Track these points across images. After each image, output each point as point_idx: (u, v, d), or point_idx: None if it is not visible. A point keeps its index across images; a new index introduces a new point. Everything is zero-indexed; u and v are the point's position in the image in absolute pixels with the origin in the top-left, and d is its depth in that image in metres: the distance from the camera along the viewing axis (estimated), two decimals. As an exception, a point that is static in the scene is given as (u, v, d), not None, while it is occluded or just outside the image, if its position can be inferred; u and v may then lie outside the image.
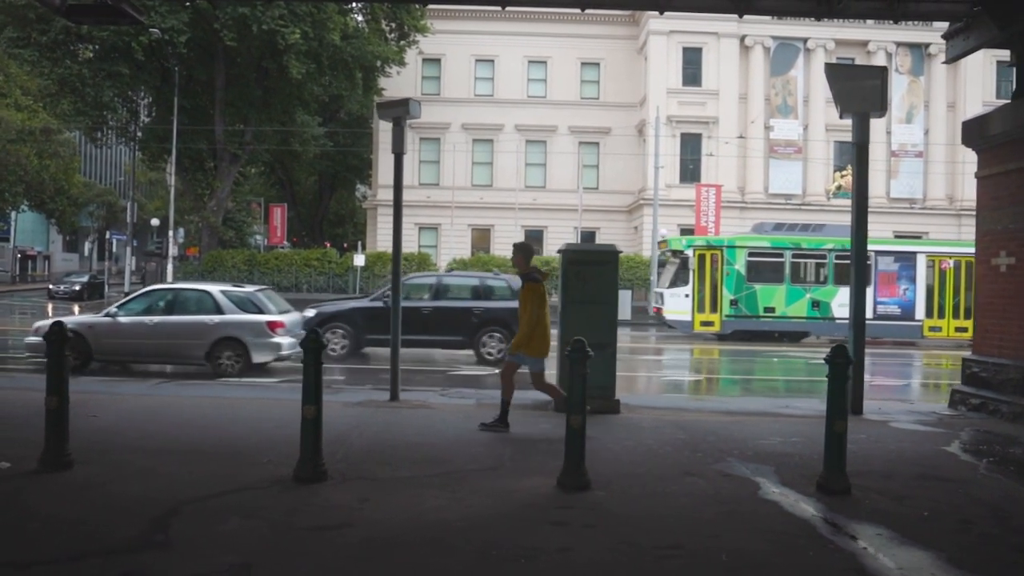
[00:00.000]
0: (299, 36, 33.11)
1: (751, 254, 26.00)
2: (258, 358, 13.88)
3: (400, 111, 10.77)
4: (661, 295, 27.19)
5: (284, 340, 14.02)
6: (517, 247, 9.00)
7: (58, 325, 6.42)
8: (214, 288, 14.51)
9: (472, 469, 6.92)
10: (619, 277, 11.10)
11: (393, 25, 39.71)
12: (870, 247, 25.98)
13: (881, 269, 26.10)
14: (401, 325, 16.23)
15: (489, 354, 16.51)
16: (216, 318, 13.85)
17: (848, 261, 25.56)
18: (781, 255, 25.92)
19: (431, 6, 39.33)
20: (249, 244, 41.05)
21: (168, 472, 6.46)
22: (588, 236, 42.97)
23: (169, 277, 35.03)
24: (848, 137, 40.89)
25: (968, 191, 41.97)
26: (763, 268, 26.02)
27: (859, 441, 8.33)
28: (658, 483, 6.73)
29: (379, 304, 16.51)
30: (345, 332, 16.62)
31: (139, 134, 39.87)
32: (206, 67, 36.51)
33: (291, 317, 14.79)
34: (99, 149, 56.78)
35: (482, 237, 44.42)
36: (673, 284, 26.61)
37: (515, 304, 16.43)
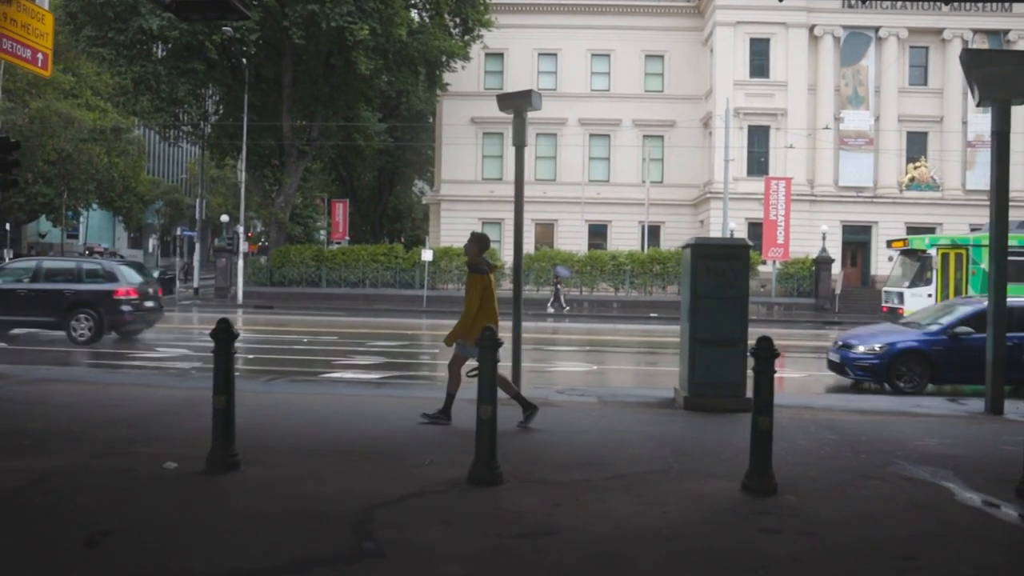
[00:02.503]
0: (367, 32, 33.11)
1: None
2: None
3: (521, 102, 10.53)
4: (900, 295, 26.44)
5: None
6: (473, 236, 8.82)
7: (224, 323, 6.28)
8: None
9: (642, 472, 6.65)
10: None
11: (457, 20, 39.51)
12: None
13: None
14: (1, 306, 17.08)
15: (81, 335, 16.93)
16: None
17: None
18: None
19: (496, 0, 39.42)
20: (316, 240, 41.16)
21: (336, 474, 6.29)
22: (653, 230, 42.53)
23: (240, 273, 35.28)
24: (921, 128, 39.93)
25: (1051, 182, 40.64)
26: (1010, 267, 25.02)
27: (1016, 444, 7.91)
28: (842, 487, 6.41)
29: None
30: None
31: (207, 131, 40.20)
32: (274, 64, 36.69)
33: None
34: (161, 147, 57.60)
35: (545, 232, 44.12)
36: (913, 284, 25.94)
37: (107, 286, 17.36)
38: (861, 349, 13.43)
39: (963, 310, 13.56)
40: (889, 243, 30.56)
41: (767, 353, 6.12)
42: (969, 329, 12.69)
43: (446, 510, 5.43)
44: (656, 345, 21.88)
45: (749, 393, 10.18)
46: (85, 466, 6.31)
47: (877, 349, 13.22)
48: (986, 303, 11.41)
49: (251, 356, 16.30)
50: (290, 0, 32.63)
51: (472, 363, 8.67)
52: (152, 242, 63.11)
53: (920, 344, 13.11)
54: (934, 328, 13.37)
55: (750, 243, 10.76)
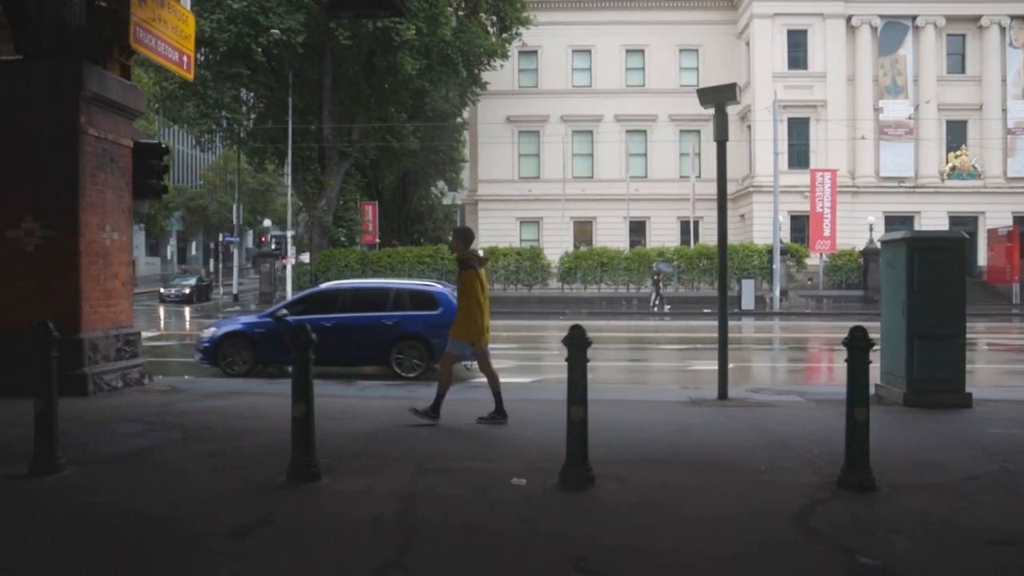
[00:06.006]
0: (414, 32, 32.82)
1: None
2: None
3: (723, 96, 10.30)
4: None
5: None
6: (456, 232, 8.79)
7: (578, 330, 5.99)
8: None
9: (990, 472, 6.39)
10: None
11: (494, 19, 39.21)
12: None
13: None
14: None
15: None
16: None
17: None
18: None
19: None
20: (355, 243, 40.74)
21: (698, 486, 5.98)
22: (693, 225, 42.31)
23: (289, 278, 34.89)
24: (961, 116, 39.99)
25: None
26: None
27: None
28: None
29: None
30: None
31: (242, 135, 39.69)
32: (315, 66, 36.27)
33: None
34: (179, 153, 56.95)
35: (584, 229, 43.90)
36: None
37: None
38: (203, 334, 14.08)
39: (303, 295, 14.65)
40: None
41: None
42: (286, 312, 13.57)
43: (871, 518, 5.14)
44: (756, 341, 21.80)
45: (968, 388, 10.10)
46: (430, 485, 5.98)
47: (211, 333, 13.83)
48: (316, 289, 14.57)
49: (377, 362, 15.91)
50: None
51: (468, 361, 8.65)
52: (170, 249, 62.48)
53: (244, 328, 13.85)
54: (265, 312, 14.24)
55: (966, 235, 10.48)
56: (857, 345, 5.88)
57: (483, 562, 4.38)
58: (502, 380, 13.35)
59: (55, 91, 10.32)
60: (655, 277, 33.89)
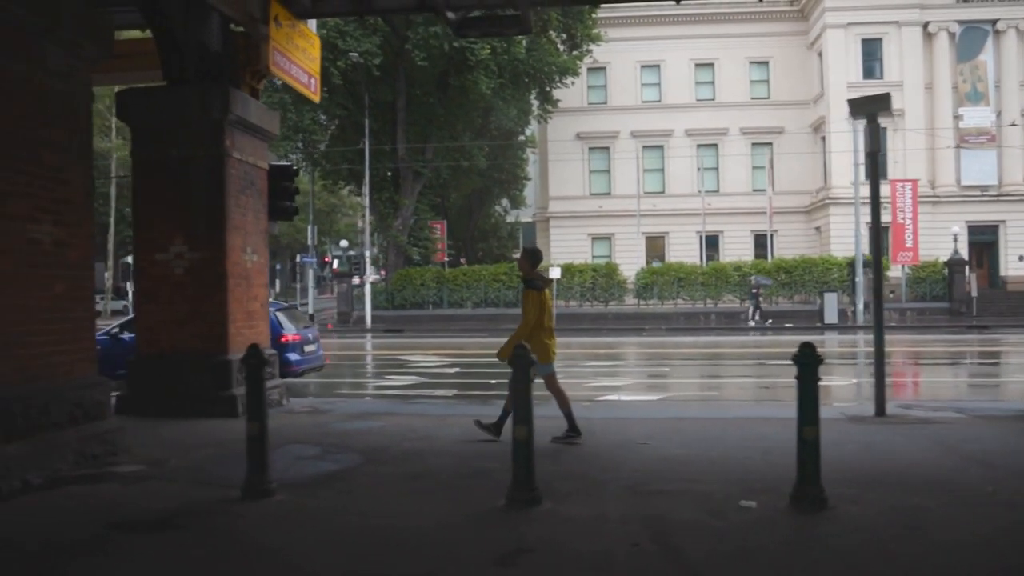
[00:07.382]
0: (489, 51, 33.03)
1: None
2: None
3: (876, 106, 10.02)
4: None
5: None
6: (525, 251, 8.81)
7: (809, 347, 5.79)
8: None
9: None
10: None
11: (564, 36, 39.21)
12: None
13: None
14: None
15: None
16: None
17: None
18: None
19: (601, 14, 38.98)
20: (431, 261, 40.89)
21: (931, 507, 5.75)
22: (767, 239, 41.69)
23: (367, 297, 35.17)
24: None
25: None
26: None
27: None
28: None
29: None
30: None
31: (316, 156, 40.20)
32: (390, 87, 36.65)
33: None
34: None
35: (656, 244, 43.54)
36: None
37: None
38: None
39: None
40: None
41: None
42: (119, 330, 14.40)
43: None
44: (850, 356, 21.35)
45: None
46: (660, 508, 5.81)
47: None
48: None
49: (492, 381, 15.85)
50: (411, 23, 32.62)
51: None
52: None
53: None
54: (103, 331, 14.20)
55: None
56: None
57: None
58: (622, 397, 13.25)
59: (204, 115, 10.45)
60: (754, 291, 33.45)
